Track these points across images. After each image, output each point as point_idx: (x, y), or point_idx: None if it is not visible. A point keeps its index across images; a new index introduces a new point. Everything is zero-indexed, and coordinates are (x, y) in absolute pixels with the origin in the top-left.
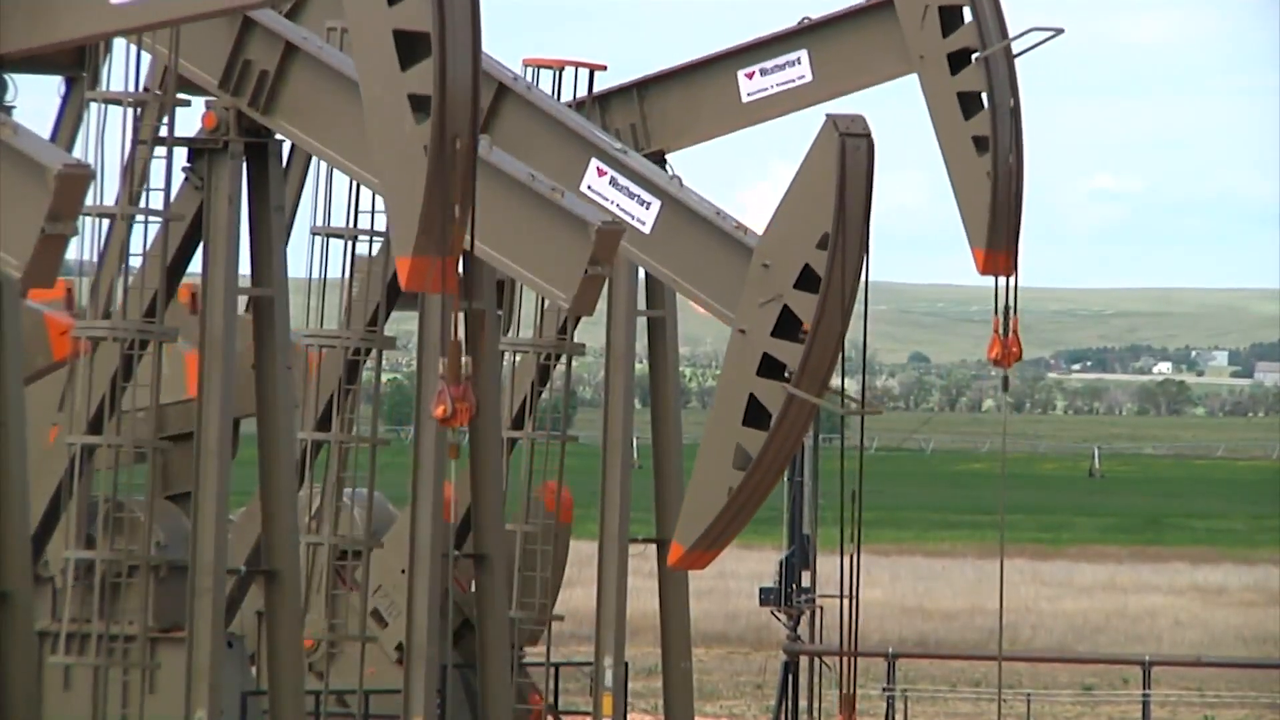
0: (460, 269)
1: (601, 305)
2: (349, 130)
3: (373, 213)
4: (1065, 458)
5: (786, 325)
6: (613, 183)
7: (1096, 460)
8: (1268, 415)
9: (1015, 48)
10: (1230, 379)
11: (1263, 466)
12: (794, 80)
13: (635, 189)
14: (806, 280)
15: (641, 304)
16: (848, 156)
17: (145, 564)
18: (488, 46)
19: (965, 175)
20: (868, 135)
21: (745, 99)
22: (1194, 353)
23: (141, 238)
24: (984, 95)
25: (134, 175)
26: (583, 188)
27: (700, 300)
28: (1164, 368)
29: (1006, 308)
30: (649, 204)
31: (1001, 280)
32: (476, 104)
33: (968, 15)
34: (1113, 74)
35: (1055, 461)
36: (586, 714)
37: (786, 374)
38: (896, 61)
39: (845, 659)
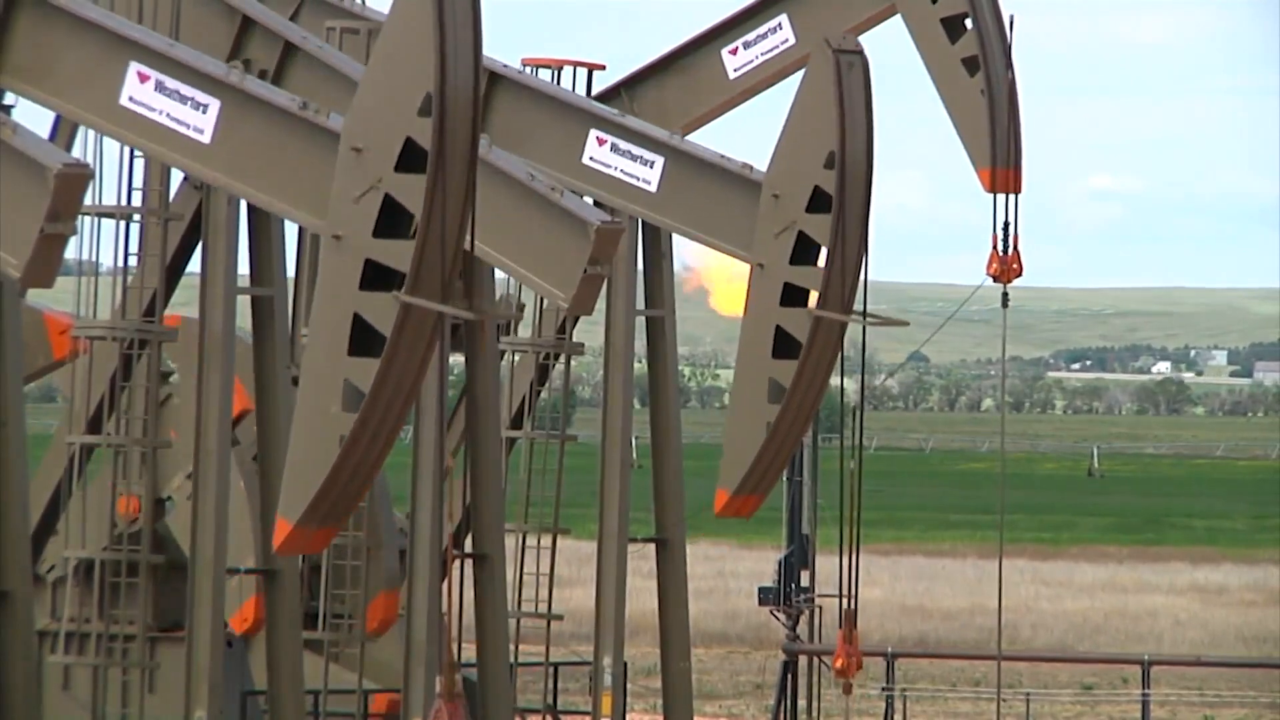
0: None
1: (601, 305)
2: None
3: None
4: (1065, 457)
5: (803, 251)
6: (614, 149)
7: (1096, 460)
8: (1267, 415)
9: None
10: (1230, 379)
11: (1263, 466)
12: (778, 46)
13: (637, 150)
14: (818, 202)
15: (641, 304)
16: (843, 72)
17: (145, 564)
18: (487, 48)
19: (959, 98)
20: (861, 52)
21: (732, 75)
22: (1194, 352)
23: (139, 237)
24: (967, 19)
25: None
26: (585, 160)
27: (718, 247)
28: (1164, 367)
29: (1006, 223)
30: (652, 162)
31: (1000, 197)
32: (477, 105)
33: None
34: (1113, 74)
35: (1055, 461)
36: (586, 714)
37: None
38: (875, 1)
39: (844, 571)
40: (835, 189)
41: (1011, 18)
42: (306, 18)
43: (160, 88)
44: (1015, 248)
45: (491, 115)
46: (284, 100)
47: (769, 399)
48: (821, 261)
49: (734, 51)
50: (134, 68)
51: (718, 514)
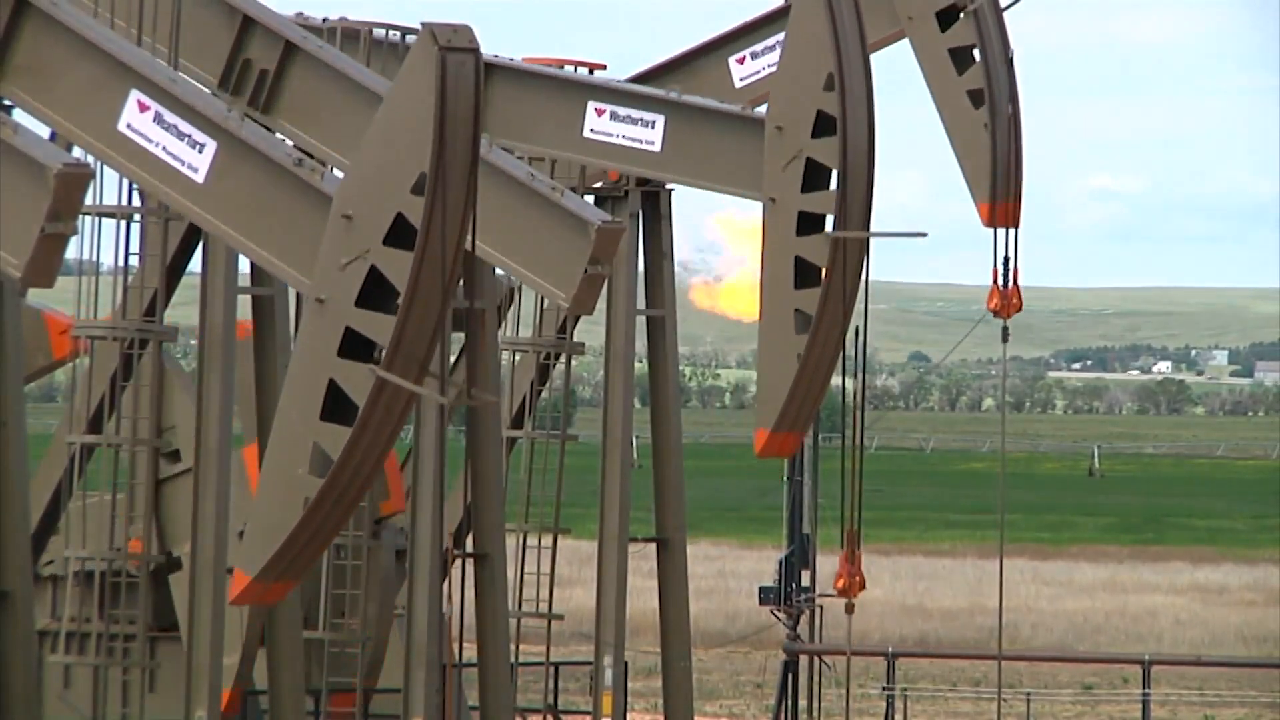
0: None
1: (601, 304)
2: (349, 130)
3: None
4: (1065, 457)
5: (813, 177)
6: (613, 117)
7: (1096, 460)
8: (1268, 415)
9: (1004, 1)
10: (1230, 378)
11: (1263, 466)
12: (641, 142)
13: (636, 112)
14: (822, 126)
15: (641, 303)
16: None
17: (145, 564)
18: (488, 45)
19: (963, 130)
20: None
21: (739, 85)
22: (1194, 352)
23: (140, 237)
24: (975, 50)
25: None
26: (587, 134)
27: (730, 192)
28: (1164, 367)
29: (1006, 258)
30: (652, 122)
31: (1000, 230)
32: (457, 266)
33: None
34: (1113, 74)
35: (1055, 461)
36: (586, 713)
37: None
38: (885, 24)
39: (848, 493)
40: (838, 107)
41: (1012, 55)
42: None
43: (159, 120)
44: (1015, 282)
45: (489, 109)
46: (280, 154)
47: (796, 330)
48: (833, 185)
49: (741, 61)
50: (135, 96)
51: (759, 454)
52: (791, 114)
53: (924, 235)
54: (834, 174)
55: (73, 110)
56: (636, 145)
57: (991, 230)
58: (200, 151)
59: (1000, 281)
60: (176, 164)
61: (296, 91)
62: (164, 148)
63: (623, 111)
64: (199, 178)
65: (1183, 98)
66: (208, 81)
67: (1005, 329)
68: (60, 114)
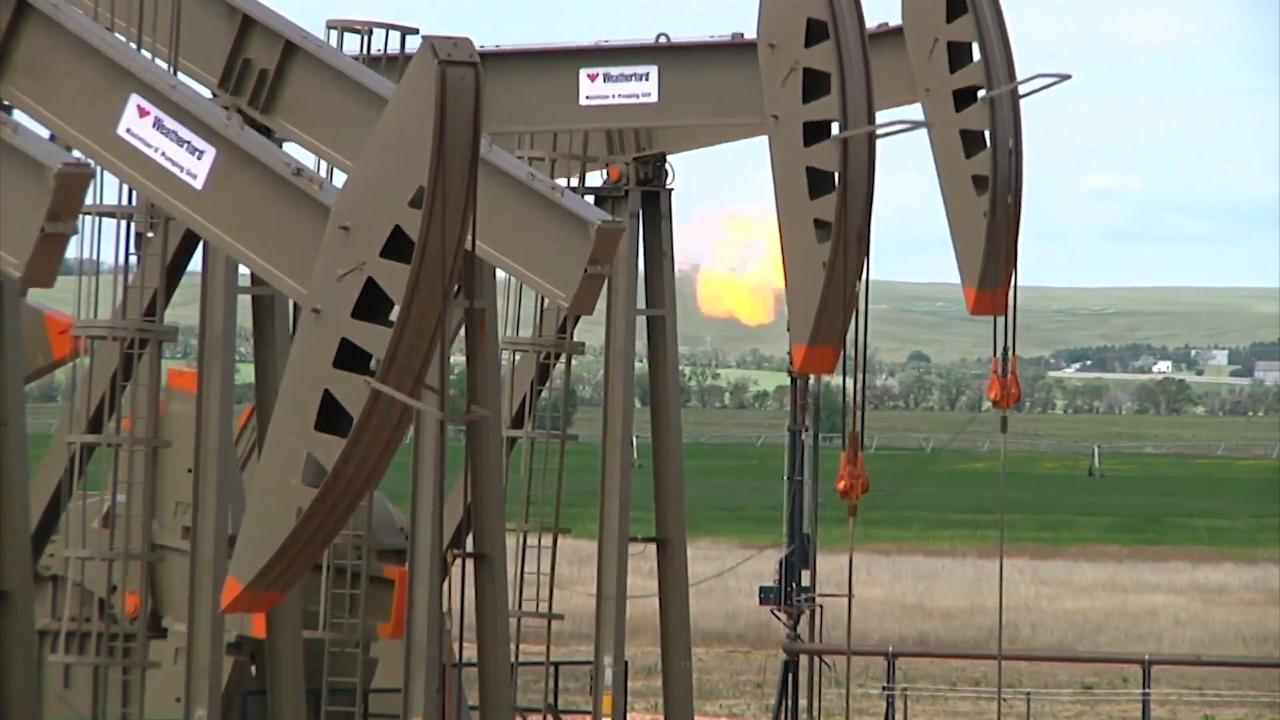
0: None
1: (601, 304)
2: (349, 130)
3: None
4: (1065, 457)
5: (812, 86)
6: (606, 79)
7: (1096, 459)
8: (1268, 414)
9: (1021, 90)
10: (1230, 378)
11: (1263, 466)
12: (639, 96)
13: (629, 69)
14: (814, 34)
15: (641, 303)
16: None
17: (145, 564)
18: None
19: (962, 213)
20: None
21: (583, 101)
22: (1194, 352)
23: (135, 240)
24: (986, 134)
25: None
26: (583, 102)
27: (740, 127)
28: (1164, 367)
29: (1005, 349)
30: (645, 74)
31: (1000, 319)
32: (452, 278)
33: (976, 53)
34: (1113, 74)
35: (1055, 461)
36: (586, 713)
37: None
38: (903, 90)
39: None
40: (826, 10)
41: (1013, 149)
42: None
43: (159, 125)
44: (1013, 372)
45: (490, 92)
46: (278, 163)
47: (818, 240)
48: (833, 91)
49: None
50: (135, 100)
51: (798, 369)
52: (782, 28)
53: (926, 125)
54: (832, 79)
55: (72, 113)
56: (634, 101)
57: (993, 320)
58: (199, 158)
59: (999, 371)
60: (175, 170)
61: (296, 91)
62: (163, 153)
63: (615, 71)
64: (198, 184)
65: (1183, 98)
66: (208, 81)
67: (1004, 420)
68: (60, 117)
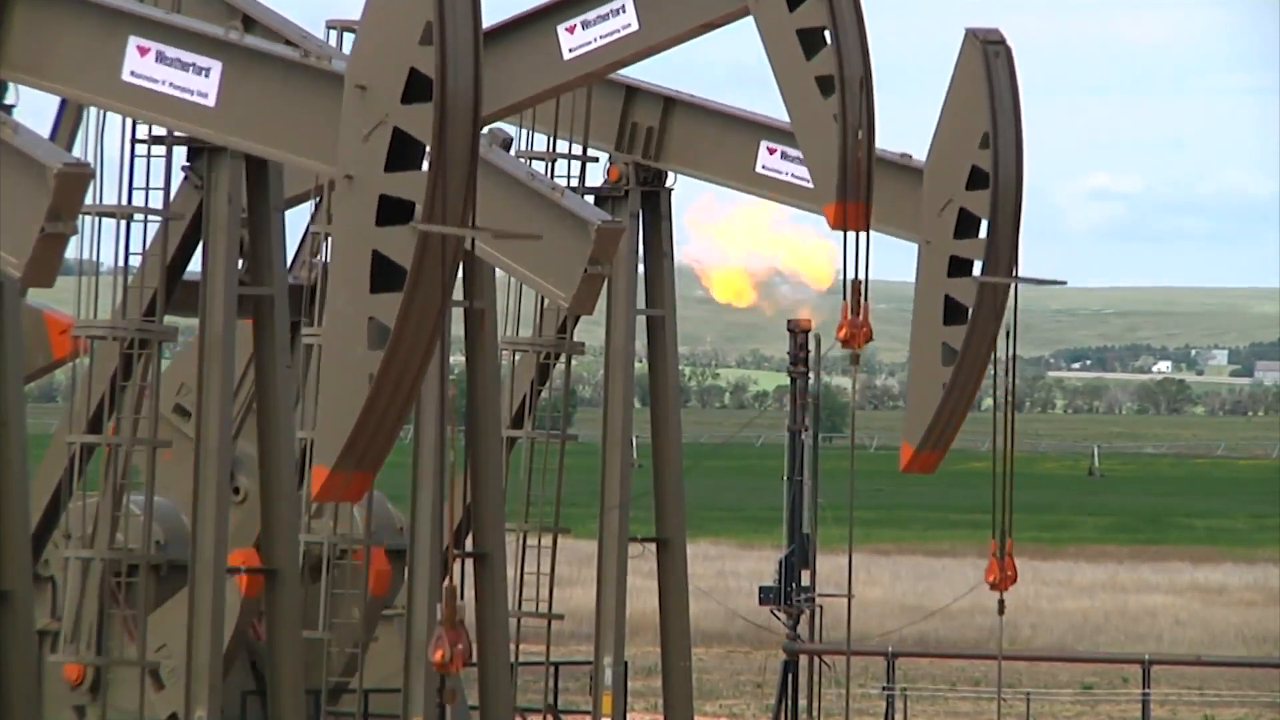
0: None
1: (601, 304)
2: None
3: None
4: (1065, 457)
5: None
6: (584, 25)
7: (1096, 460)
8: (1268, 414)
9: (1022, 286)
10: (1230, 378)
11: (1263, 466)
12: (619, 30)
13: (602, 9)
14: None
15: (641, 303)
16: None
17: (145, 564)
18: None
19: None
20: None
21: (568, 56)
22: (1194, 352)
23: (141, 237)
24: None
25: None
26: (566, 56)
27: (727, 13)
28: (1164, 367)
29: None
30: (621, 7)
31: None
32: (477, 106)
33: None
34: (1113, 74)
35: (1055, 461)
36: (586, 713)
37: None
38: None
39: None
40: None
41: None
42: None
43: (161, 58)
44: (1010, 553)
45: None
46: (285, 51)
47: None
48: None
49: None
50: (133, 42)
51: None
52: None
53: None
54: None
55: (76, 73)
56: (617, 36)
57: (992, 486)
58: (207, 76)
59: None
60: (186, 95)
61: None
62: (170, 83)
63: (590, 15)
64: (210, 101)
65: (1183, 98)
66: None
67: (1001, 601)
68: (64, 82)
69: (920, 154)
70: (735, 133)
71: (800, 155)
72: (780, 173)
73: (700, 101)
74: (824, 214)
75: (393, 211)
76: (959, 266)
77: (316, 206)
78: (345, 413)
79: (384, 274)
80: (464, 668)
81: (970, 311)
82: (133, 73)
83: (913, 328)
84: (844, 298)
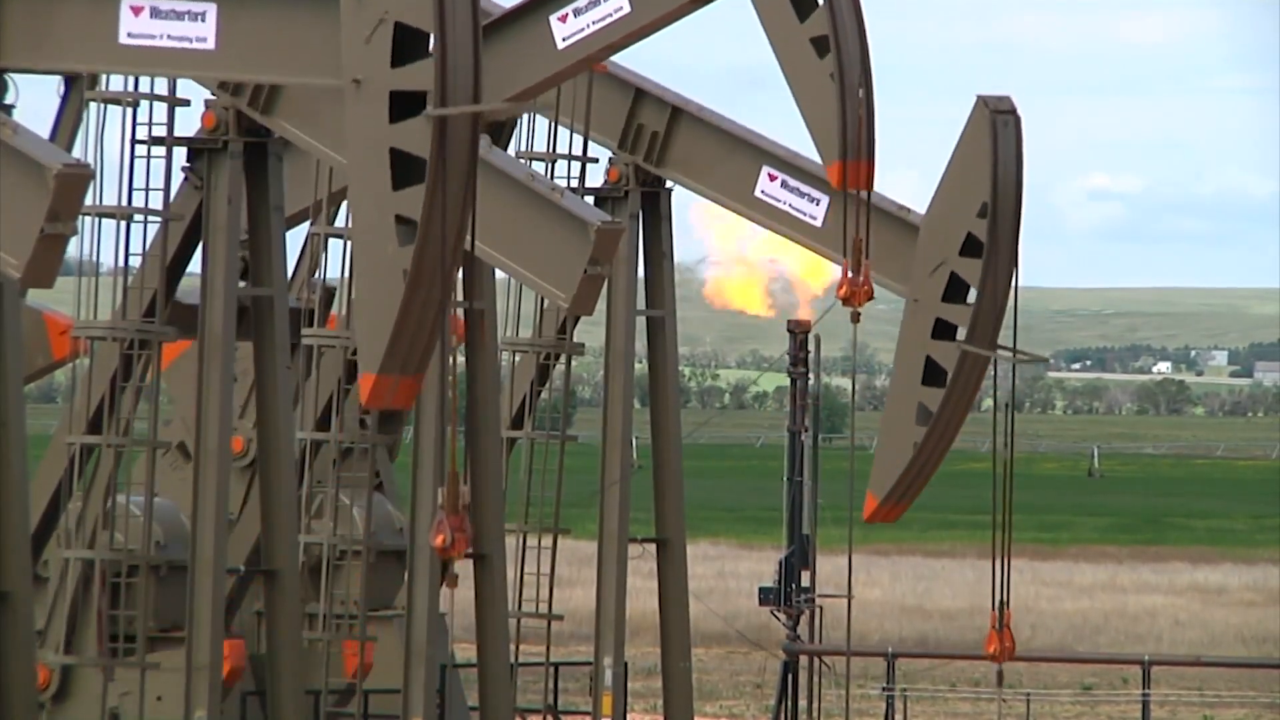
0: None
1: (601, 304)
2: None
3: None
4: (1065, 457)
5: (954, 290)
6: (576, 12)
7: (1096, 460)
8: (1267, 415)
9: (1001, 364)
10: (1230, 379)
11: (1263, 466)
12: (611, 14)
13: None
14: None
15: (641, 304)
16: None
17: (145, 564)
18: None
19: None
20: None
21: (561, 45)
22: (1194, 352)
23: (141, 237)
24: None
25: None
26: (560, 45)
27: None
28: (1164, 367)
29: (1003, 602)
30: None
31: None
32: (477, 106)
33: None
34: (1113, 74)
35: (1055, 461)
36: (586, 714)
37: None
38: None
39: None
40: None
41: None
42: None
43: (155, 13)
44: (1007, 625)
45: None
46: None
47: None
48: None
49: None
50: (125, 4)
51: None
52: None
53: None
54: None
55: (75, 47)
56: (610, 19)
57: (994, 569)
58: (203, 20)
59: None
60: (186, 44)
61: (296, 91)
62: (168, 36)
63: (583, 1)
64: (210, 45)
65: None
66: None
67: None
68: (65, 59)
69: (919, 205)
70: (739, 153)
71: (799, 186)
72: (778, 201)
73: (707, 116)
74: (828, 174)
75: (404, 106)
76: (944, 330)
77: (316, 211)
78: (384, 314)
79: (403, 169)
80: (465, 553)
81: (949, 376)
82: (130, 34)
83: (891, 382)
84: (844, 256)
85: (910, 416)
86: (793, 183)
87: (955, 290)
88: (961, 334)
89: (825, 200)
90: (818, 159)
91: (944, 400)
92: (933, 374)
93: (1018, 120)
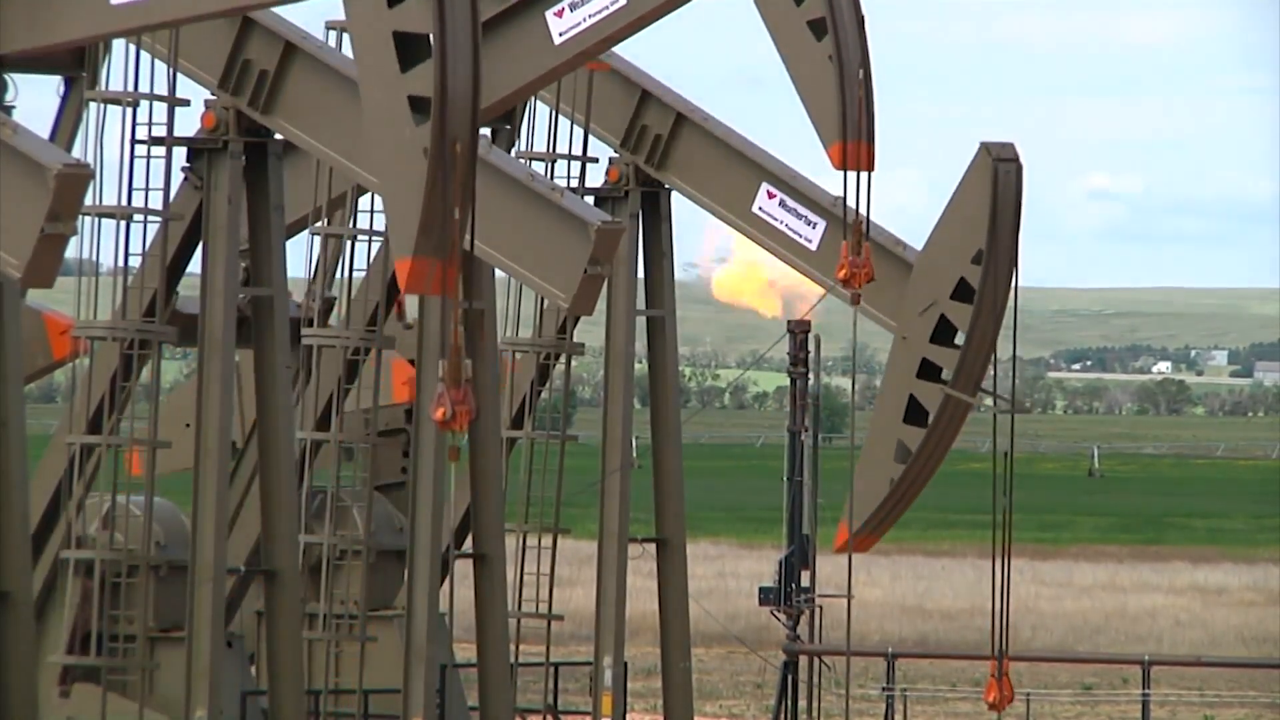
0: (459, 270)
1: (601, 304)
2: (349, 130)
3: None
4: (1065, 457)
5: (943, 332)
6: (572, 7)
7: (1096, 460)
8: (1268, 415)
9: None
10: (1230, 379)
11: (1263, 466)
12: (607, 7)
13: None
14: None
15: (641, 304)
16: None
17: (145, 564)
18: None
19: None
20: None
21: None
22: (1194, 352)
23: (141, 237)
24: None
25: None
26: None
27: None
28: (1164, 367)
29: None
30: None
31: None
32: (476, 105)
33: None
34: (1113, 74)
35: (1055, 461)
36: (586, 714)
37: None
38: None
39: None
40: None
41: None
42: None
43: None
44: (1006, 674)
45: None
46: None
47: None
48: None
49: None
50: None
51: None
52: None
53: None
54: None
55: (72, 20)
56: (606, 12)
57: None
58: None
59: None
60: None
61: (296, 92)
62: None
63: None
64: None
65: (1182, 98)
66: (208, 82)
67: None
68: (63, 34)
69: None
70: (739, 166)
71: (797, 208)
72: (775, 219)
73: (711, 126)
74: (829, 156)
75: (404, 51)
76: (929, 370)
77: (315, 216)
78: (411, 196)
79: (409, 50)
80: (466, 426)
81: (931, 418)
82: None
83: (873, 415)
84: (844, 237)
85: (889, 453)
86: (791, 203)
87: (944, 332)
88: (947, 375)
89: (822, 225)
90: (819, 180)
91: (924, 441)
92: (915, 413)
93: (1019, 169)
